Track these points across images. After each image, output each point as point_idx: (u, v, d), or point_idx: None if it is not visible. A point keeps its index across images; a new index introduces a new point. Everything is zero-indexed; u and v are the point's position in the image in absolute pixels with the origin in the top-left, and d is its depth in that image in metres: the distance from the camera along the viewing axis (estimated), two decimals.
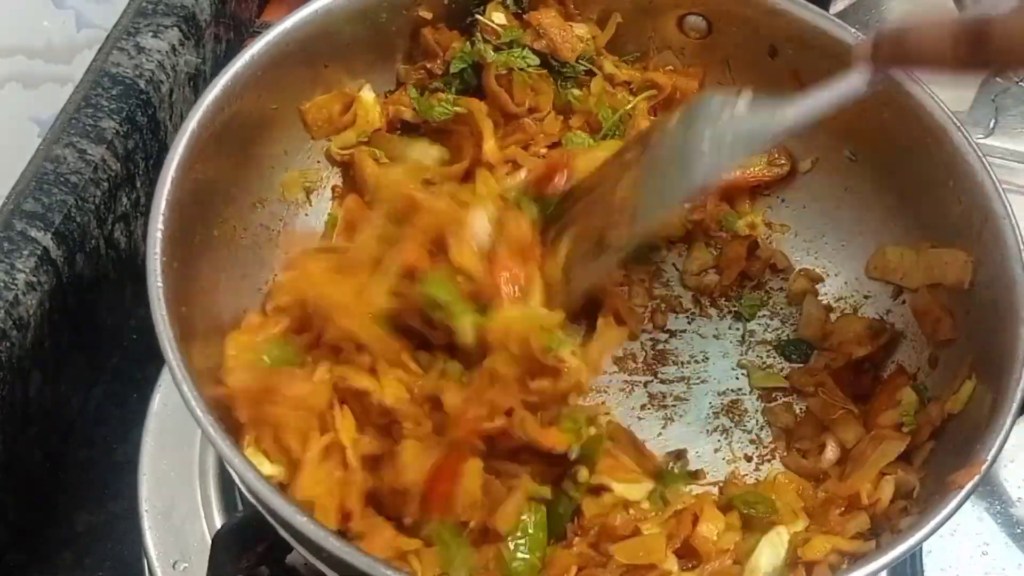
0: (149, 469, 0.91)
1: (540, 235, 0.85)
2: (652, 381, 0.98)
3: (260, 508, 0.74)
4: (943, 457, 0.84)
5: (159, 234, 0.77)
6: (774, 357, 1.00)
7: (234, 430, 0.77)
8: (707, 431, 0.96)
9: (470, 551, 0.78)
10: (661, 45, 1.02)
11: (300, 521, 0.69)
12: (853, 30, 0.93)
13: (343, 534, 0.76)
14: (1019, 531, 1.00)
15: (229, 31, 1.20)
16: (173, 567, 0.88)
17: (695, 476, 0.92)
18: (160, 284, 0.75)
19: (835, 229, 1.03)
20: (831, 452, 0.92)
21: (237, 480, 0.80)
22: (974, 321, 0.88)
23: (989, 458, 0.77)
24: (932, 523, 0.74)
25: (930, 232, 0.94)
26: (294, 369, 0.81)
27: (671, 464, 0.92)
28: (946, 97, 0.91)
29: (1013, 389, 0.79)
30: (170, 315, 0.74)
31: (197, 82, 1.12)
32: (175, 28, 1.08)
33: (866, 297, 1.00)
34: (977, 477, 0.76)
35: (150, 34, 1.07)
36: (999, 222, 0.86)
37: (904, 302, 0.97)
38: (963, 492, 0.75)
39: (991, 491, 1.00)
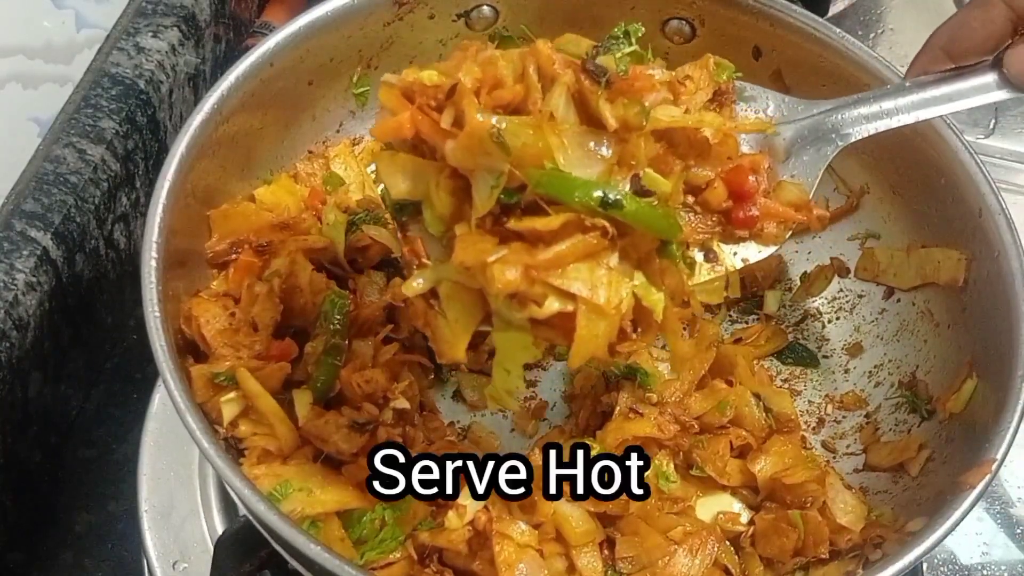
0: (149, 469, 0.91)
1: None
2: None
3: (253, 521, 0.74)
4: (948, 459, 0.84)
5: (153, 263, 0.76)
6: (771, 361, 1.00)
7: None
8: None
9: None
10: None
11: (300, 541, 0.69)
12: (838, 30, 0.93)
13: None
14: (1019, 531, 1.00)
15: (229, 31, 1.19)
16: (173, 567, 0.88)
17: None
18: (158, 314, 0.75)
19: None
20: None
21: (233, 495, 0.81)
22: (970, 320, 0.88)
23: (999, 456, 0.76)
24: (948, 523, 0.74)
25: (921, 230, 0.94)
26: None
27: None
28: None
29: (1017, 386, 0.78)
30: (165, 331, 0.75)
31: (197, 82, 1.12)
32: (175, 28, 1.08)
33: (860, 296, 1.00)
34: (988, 476, 0.75)
35: (150, 34, 1.06)
36: (994, 218, 0.86)
37: (899, 300, 0.97)
38: (976, 491, 0.75)
39: (991, 491, 0.99)
